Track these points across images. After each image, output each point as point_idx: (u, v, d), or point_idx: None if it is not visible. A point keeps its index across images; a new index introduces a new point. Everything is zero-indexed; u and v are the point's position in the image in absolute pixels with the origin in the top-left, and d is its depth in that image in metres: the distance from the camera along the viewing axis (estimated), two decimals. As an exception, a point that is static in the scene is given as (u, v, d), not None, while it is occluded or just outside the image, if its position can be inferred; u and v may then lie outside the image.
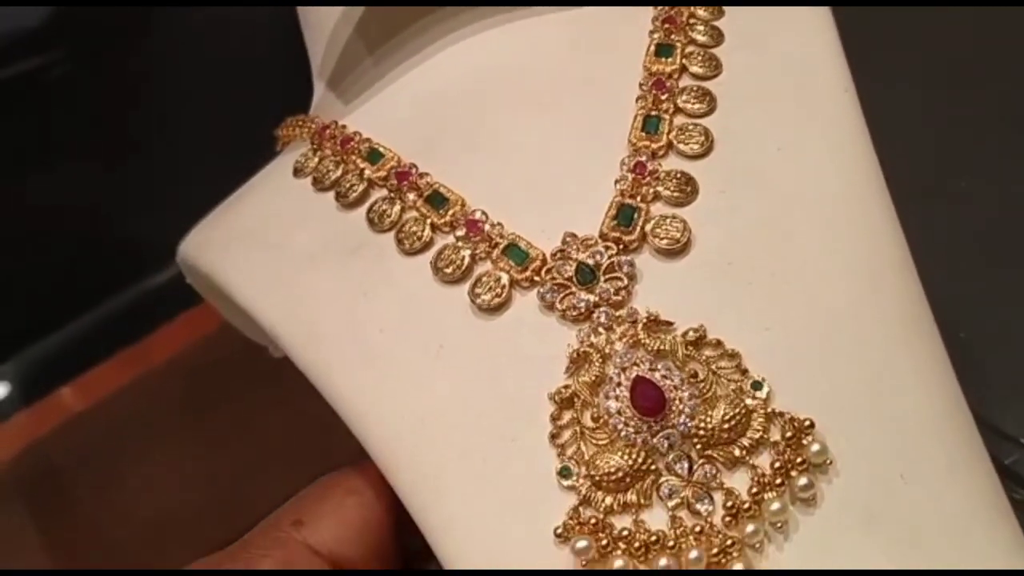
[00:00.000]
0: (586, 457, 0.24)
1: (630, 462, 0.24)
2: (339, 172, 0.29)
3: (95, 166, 0.59)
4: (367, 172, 0.28)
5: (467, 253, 0.26)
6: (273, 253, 0.29)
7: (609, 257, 0.25)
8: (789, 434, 0.23)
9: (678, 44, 0.28)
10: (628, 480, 0.24)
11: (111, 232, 0.59)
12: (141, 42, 0.58)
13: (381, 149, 0.29)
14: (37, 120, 0.57)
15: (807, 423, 0.23)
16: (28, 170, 0.57)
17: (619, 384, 0.24)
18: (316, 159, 0.30)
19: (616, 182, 0.26)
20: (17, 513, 0.52)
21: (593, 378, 0.24)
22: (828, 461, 0.23)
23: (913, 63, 0.48)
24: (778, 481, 0.23)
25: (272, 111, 0.33)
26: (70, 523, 0.50)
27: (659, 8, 0.29)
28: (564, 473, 0.24)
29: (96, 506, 0.51)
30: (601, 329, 0.25)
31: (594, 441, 0.24)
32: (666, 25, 0.29)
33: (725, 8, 0.29)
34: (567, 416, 0.24)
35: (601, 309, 0.25)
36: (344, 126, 0.30)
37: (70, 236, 0.59)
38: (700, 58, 0.28)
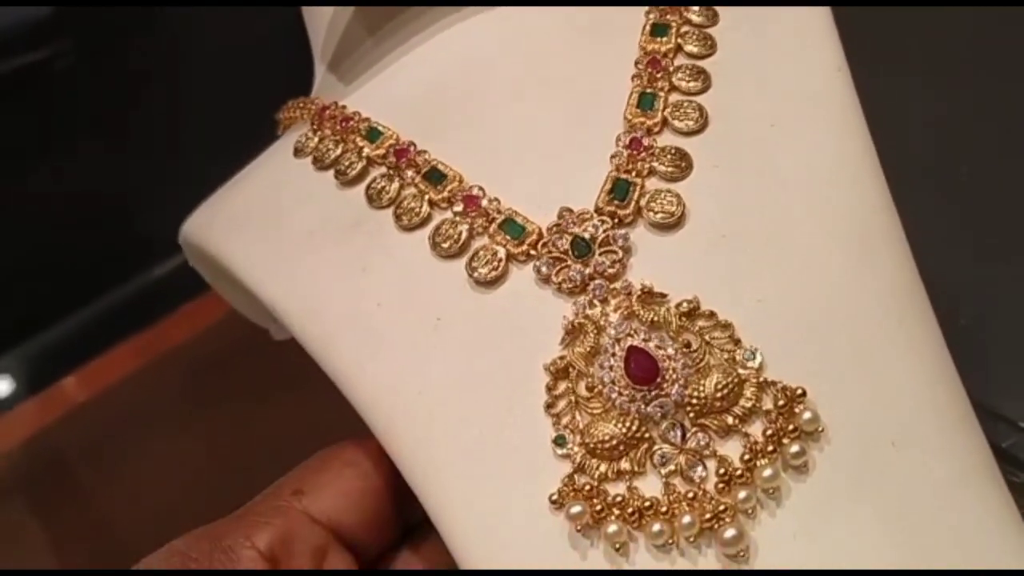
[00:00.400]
0: (581, 426, 0.24)
1: (624, 430, 0.24)
2: (339, 151, 0.29)
3: (99, 159, 0.60)
4: (366, 150, 0.29)
5: (464, 228, 0.27)
6: (274, 231, 0.29)
7: (604, 231, 0.26)
8: (781, 402, 0.24)
9: (673, 24, 0.29)
10: (622, 448, 0.24)
11: (115, 224, 0.59)
12: (145, 35, 0.58)
13: (380, 128, 0.29)
14: (42, 112, 0.58)
15: (799, 392, 0.24)
16: (32, 161, 0.58)
17: (613, 354, 0.24)
18: (316, 139, 0.30)
19: (612, 157, 0.26)
20: (22, 501, 0.52)
21: (588, 349, 0.25)
22: (820, 429, 0.24)
23: (913, 53, 0.49)
24: (770, 448, 0.24)
25: (275, 104, 0.34)
26: (74, 512, 0.51)
27: None
28: (559, 442, 0.24)
29: (99, 495, 0.51)
30: (596, 301, 0.25)
31: (589, 410, 0.24)
32: (661, 6, 0.29)
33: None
34: (562, 386, 0.25)
35: (596, 282, 0.25)
36: (344, 106, 0.30)
37: (74, 228, 0.59)
38: (695, 37, 0.28)
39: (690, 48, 0.28)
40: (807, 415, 0.24)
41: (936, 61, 0.48)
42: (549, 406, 0.25)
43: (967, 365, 0.26)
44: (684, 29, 0.28)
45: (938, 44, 0.49)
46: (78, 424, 0.55)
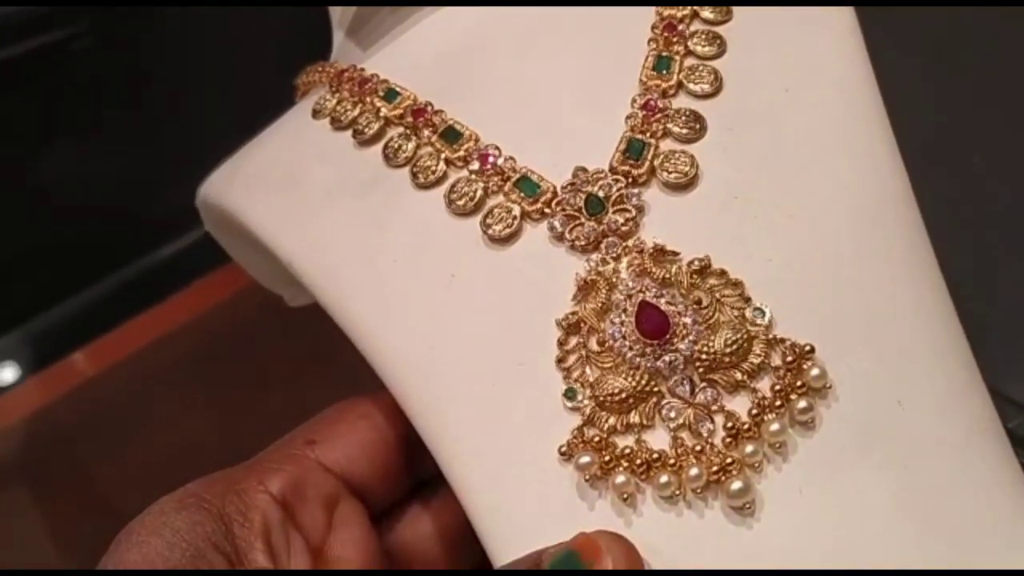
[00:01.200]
0: (591, 380, 0.25)
1: (633, 384, 0.24)
2: (356, 112, 0.30)
3: (112, 140, 0.60)
4: (383, 111, 0.29)
5: (480, 186, 0.27)
6: (291, 190, 0.30)
7: (618, 189, 0.26)
8: (790, 359, 0.24)
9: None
10: (631, 401, 0.24)
11: (126, 203, 0.60)
12: (154, 19, 0.59)
13: (398, 88, 0.29)
14: (57, 93, 0.58)
15: (807, 348, 0.24)
16: (44, 143, 0.58)
17: (625, 310, 0.25)
18: (334, 100, 0.30)
19: (627, 118, 0.27)
20: (26, 477, 0.53)
21: (600, 304, 0.25)
22: (827, 385, 0.24)
23: (925, 43, 0.49)
24: (778, 404, 0.24)
25: (287, 87, 0.34)
26: (80, 481, 0.51)
27: None
28: (569, 395, 0.25)
29: (105, 467, 0.52)
30: (608, 258, 0.25)
31: (599, 364, 0.25)
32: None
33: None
34: (573, 341, 0.25)
35: (609, 239, 0.26)
36: (362, 69, 0.31)
37: (86, 207, 0.60)
38: (711, 3, 0.29)
39: (706, 14, 0.28)
40: (815, 372, 0.24)
41: (948, 51, 0.49)
42: (560, 360, 0.25)
43: (974, 347, 0.26)
44: (701, -4, 0.29)
45: (951, 34, 0.50)
46: (87, 397, 0.55)
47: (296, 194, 0.29)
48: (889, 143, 0.27)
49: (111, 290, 0.59)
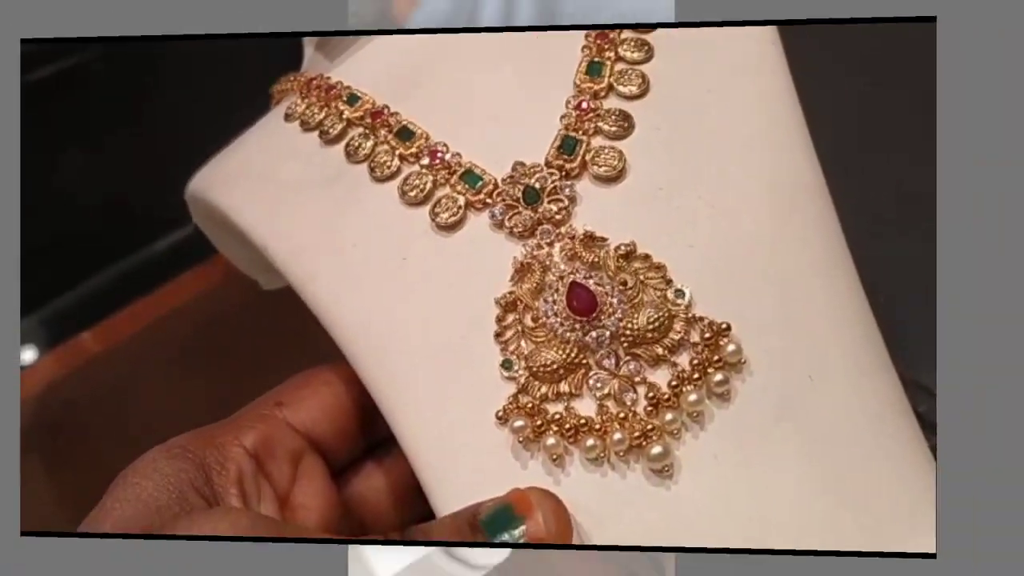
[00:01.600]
0: (526, 352, 0.27)
1: (564, 356, 0.27)
2: (322, 115, 0.32)
3: (119, 151, 0.64)
4: (346, 113, 0.32)
5: (429, 179, 0.29)
6: (266, 184, 0.32)
7: (552, 182, 0.28)
8: (707, 336, 0.26)
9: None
10: (562, 372, 0.27)
11: (129, 202, 0.63)
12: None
13: (359, 93, 0.32)
14: (72, 109, 0.62)
15: (724, 326, 0.26)
16: (62, 152, 0.62)
17: (557, 290, 0.27)
18: (304, 105, 0.33)
19: (561, 118, 0.29)
20: (44, 438, 0.55)
21: (534, 285, 0.27)
22: (742, 361, 0.26)
23: (849, 53, 0.51)
24: (696, 376, 0.26)
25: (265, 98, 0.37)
26: (87, 446, 0.54)
27: None
28: (506, 365, 0.27)
29: (109, 434, 0.54)
30: (543, 244, 0.28)
31: (533, 339, 0.27)
32: None
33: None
34: (510, 318, 0.28)
35: (544, 226, 0.28)
36: (328, 77, 0.33)
37: (94, 206, 0.63)
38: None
39: (637, 26, 0.31)
40: (731, 348, 0.26)
41: (868, 61, 0.50)
42: (498, 335, 0.27)
43: (886, 336, 0.28)
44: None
45: (873, 47, 0.51)
46: (94, 373, 0.58)
47: (270, 187, 0.32)
48: (804, 138, 0.29)
49: (116, 277, 0.63)
